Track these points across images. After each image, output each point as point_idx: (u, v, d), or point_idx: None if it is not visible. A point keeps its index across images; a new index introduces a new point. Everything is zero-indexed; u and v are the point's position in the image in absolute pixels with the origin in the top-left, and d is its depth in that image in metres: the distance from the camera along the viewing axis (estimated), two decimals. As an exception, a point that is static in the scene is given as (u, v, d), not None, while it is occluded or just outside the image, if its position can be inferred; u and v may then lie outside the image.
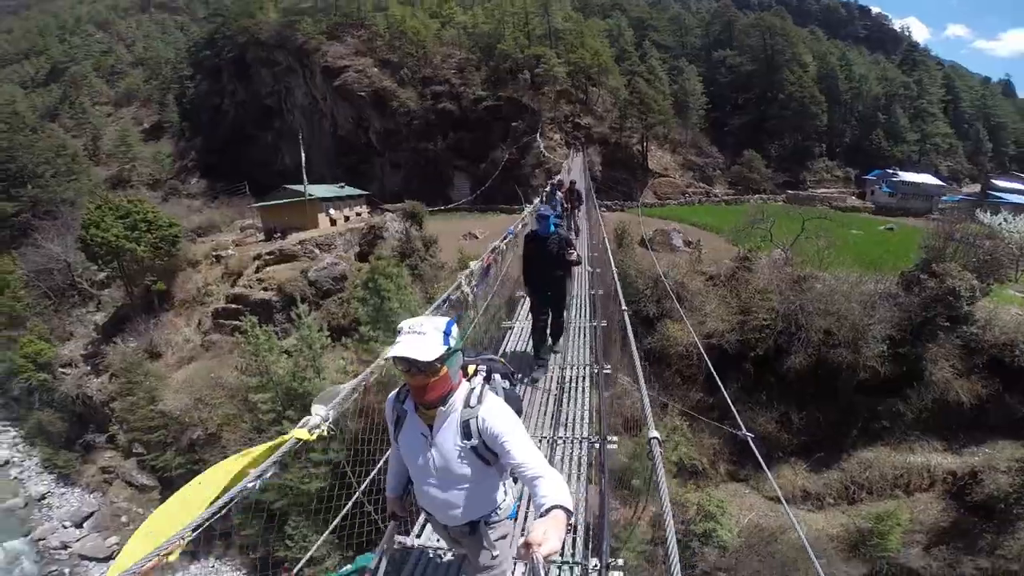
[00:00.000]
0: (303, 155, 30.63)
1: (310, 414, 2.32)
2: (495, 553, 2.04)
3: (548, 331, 6.05)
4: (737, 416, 5.28)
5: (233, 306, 24.91)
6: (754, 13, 60.61)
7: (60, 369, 26.42)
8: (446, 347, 1.82)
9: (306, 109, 44.35)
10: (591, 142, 38.53)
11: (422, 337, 1.79)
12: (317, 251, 25.80)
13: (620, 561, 3.33)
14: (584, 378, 5.64)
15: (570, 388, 5.46)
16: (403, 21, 43.43)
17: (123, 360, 23.78)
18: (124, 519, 21.52)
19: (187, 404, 21.19)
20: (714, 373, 7.19)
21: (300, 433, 2.37)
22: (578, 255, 5.67)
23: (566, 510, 1.49)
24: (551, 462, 3.73)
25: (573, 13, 50.30)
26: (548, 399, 5.21)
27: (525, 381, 5.58)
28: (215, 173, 42.10)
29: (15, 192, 32.28)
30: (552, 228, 5.59)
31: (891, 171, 44.28)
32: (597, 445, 4.05)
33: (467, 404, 1.93)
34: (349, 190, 34.60)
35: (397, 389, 2.11)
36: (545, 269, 5.63)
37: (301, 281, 24.22)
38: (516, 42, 41.83)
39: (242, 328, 18.53)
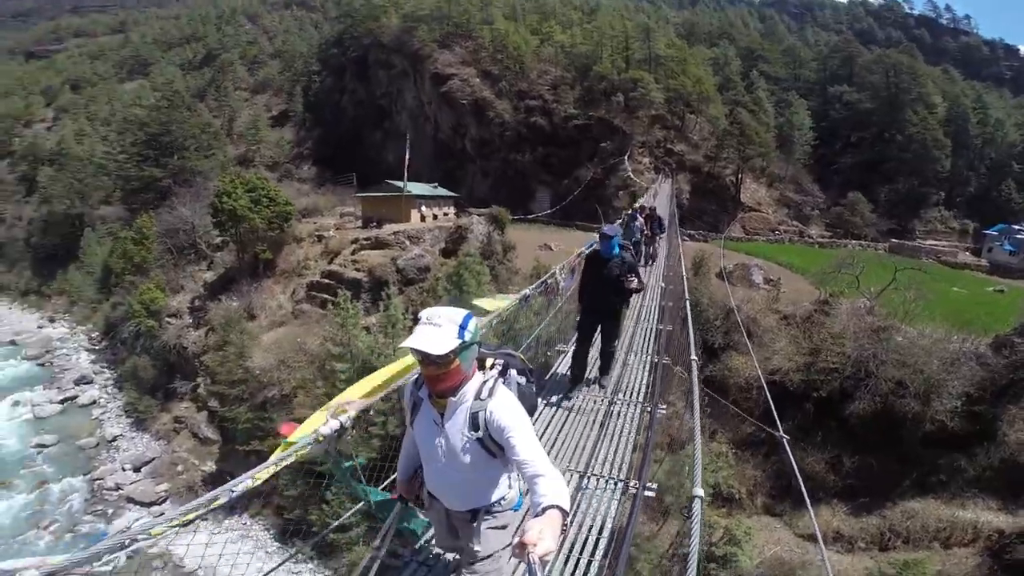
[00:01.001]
0: (407, 154, 33.00)
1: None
2: (488, 547, 2.05)
3: (592, 361, 5.65)
4: (776, 415, 5.29)
5: (326, 281, 27.23)
6: (879, 48, 56.83)
7: (167, 318, 29.39)
8: (460, 341, 1.84)
9: (413, 111, 47.26)
10: (682, 169, 37.93)
11: (437, 329, 1.83)
12: (407, 242, 27.54)
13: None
14: (633, 417, 5.08)
15: (614, 423, 4.96)
16: (506, 35, 45.28)
17: (224, 316, 26.65)
18: (180, 468, 22.92)
19: (271, 364, 22.82)
20: (772, 405, 6.80)
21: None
22: (640, 283, 5.32)
23: (563, 511, 1.50)
24: (576, 504, 3.62)
25: (676, 40, 49.98)
26: (587, 431, 4.74)
27: (561, 404, 5.20)
28: (326, 162, 45.98)
29: (163, 161, 37.28)
30: (616, 250, 5.22)
31: (1018, 227, 39.37)
32: (634, 491, 3.70)
33: (478, 396, 1.95)
34: (441, 191, 36.64)
35: (416, 375, 2.20)
36: (602, 292, 5.27)
37: (390, 267, 25.99)
38: (613, 64, 42.28)
39: (335, 300, 20.48)
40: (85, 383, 30.70)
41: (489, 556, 2.05)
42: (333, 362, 18.49)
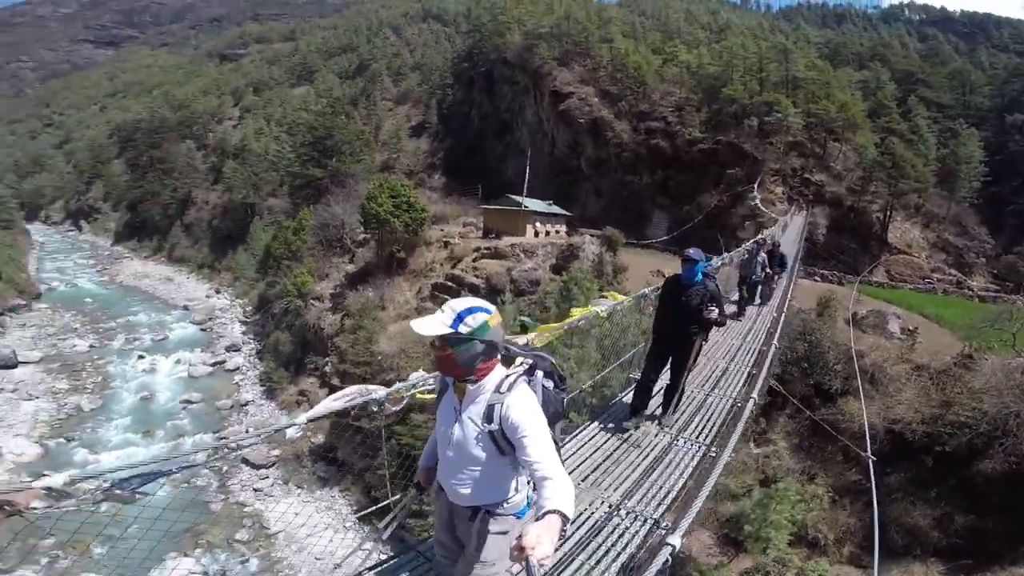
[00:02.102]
0: (527, 170, 34.85)
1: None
2: (487, 553, 2.05)
3: (654, 395, 5.28)
4: (867, 433, 5.45)
5: (448, 284, 29.80)
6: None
7: (311, 301, 33.28)
8: (452, 330, 1.88)
9: (532, 127, 48.64)
10: (820, 202, 35.07)
11: (439, 315, 1.95)
12: (522, 255, 29.17)
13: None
14: (692, 458, 4.64)
15: (668, 460, 4.58)
16: (626, 55, 44.90)
17: (360, 304, 30.30)
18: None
19: (394, 351, 25.19)
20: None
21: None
22: (721, 314, 4.87)
23: (563, 516, 1.51)
24: (598, 531, 3.53)
25: (818, 61, 46.47)
26: (634, 464, 4.43)
27: (615, 432, 4.95)
28: (454, 173, 49.06)
29: (324, 162, 42.93)
30: (699, 277, 4.83)
31: None
32: (662, 532, 3.48)
33: (497, 390, 1.96)
34: (555, 208, 37.76)
35: None
36: (678, 320, 4.86)
37: (505, 277, 27.78)
38: (746, 87, 40.16)
39: None
40: (234, 350, 35.01)
41: (484, 562, 2.05)
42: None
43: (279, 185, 49.86)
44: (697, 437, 5.06)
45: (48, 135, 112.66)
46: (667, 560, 2.40)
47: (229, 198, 54.50)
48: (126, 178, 73.51)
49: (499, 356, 2.03)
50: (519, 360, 2.11)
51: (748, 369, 7.29)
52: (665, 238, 34.41)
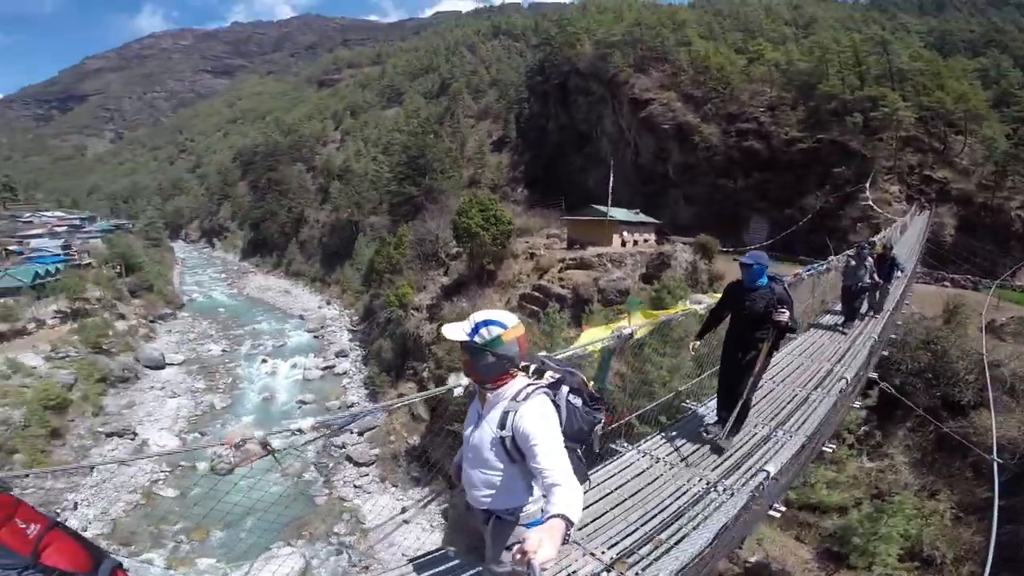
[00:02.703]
0: (611, 180, 35.34)
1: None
2: (503, 567, 2.11)
3: (718, 410, 4.95)
4: (994, 435, 5.14)
5: (536, 294, 31.14)
6: None
7: (411, 311, 35.79)
8: (468, 339, 2.00)
9: (613, 136, 48.62)
10: (945, 200, 32.08)
11: (461, 323, 2.06)
12: (609, 265, 29.79)
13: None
14: (789, 448, 4.30)
15: (764, 449, 4.41)
16: (706, 57, 43.70)
17: (454, 313, 32.49)
18: (392, 438, 26.05)
19: None
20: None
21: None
22: (791, 319, 4.41)
23: (567, 520, 1.55)
24: (695, 502, 3.52)
25: (924, 51, 42.34)
26: (673, 494, 3.97)
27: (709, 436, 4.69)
28: (535, 185, 50.34)
29: (418, 180, 46.30)
30: (764, 280, 4.50)
31: None
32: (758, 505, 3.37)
33: (514, 398, 2.02)
34: (642, 217, 37.68)
35: None
36: (741, 328, 4.62)
37: (592, 287, 28.55)
38: (844, 82, 37.68)
39: (545, 311, 24.02)
40: (342, 356, 38.26)
41: (499, 565, 2.14)
42: (535, 362, 21.59)
43: (379, 203, 54.12)
44: (796, 430, 4.83)
45: (183, 160, 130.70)
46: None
47: (336, 217, 59.98)
48: (249, 199, 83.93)
49: (516, 369, 2.11)
50: (549, 374, 2.22)
51: (855, 372, 6.75)
52: (766, 243, 33.09)
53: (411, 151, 48.83)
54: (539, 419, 1.94)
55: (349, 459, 25.01)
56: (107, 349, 36.23)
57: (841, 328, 9.98)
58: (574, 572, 3.03)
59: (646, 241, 36.14)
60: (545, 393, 2.06)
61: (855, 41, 40.91)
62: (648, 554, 3.19)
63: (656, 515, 3.65)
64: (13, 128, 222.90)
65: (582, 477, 2.26)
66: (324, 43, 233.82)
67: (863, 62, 39.41)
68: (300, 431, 2.67)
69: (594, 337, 4.65)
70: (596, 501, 3.82)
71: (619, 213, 35.68)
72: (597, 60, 50.17)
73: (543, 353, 2.47)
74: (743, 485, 3.89)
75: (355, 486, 23.76)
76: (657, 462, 4.45)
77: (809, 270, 10.82)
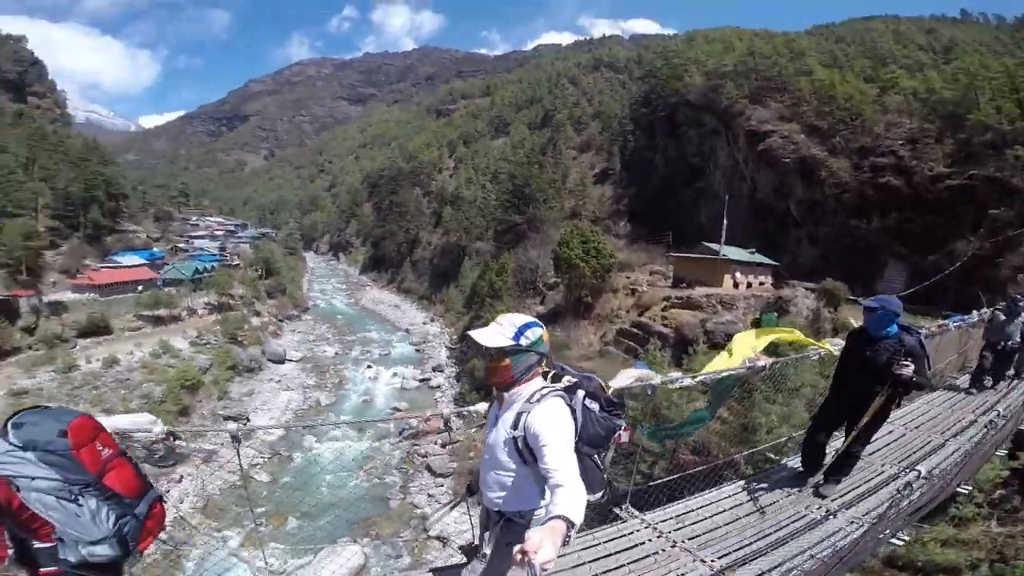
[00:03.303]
0: (725, 218, 33.65)
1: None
2: (498, 560, 2.13)
3: (821, 460, 4.62)
4: None
5: (634, 330, 30.49)
6: None
7: None
8: (513, 343, 2.05)
9: (727, 171, 46.23)
10: None
11: (498, 328, 2.11)
12: (719, 307, 28.29)
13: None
14: (846, 537, 3.75)
15: (809, 535, 3.89)
16: (831, 85, 40.37)
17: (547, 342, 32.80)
18: (471, 454, 25.79)
19: None
20: None
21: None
22: (921, 374, 4.00)
23: (568, 522, 1.56)
24: (812, 527, 3.45)
25: None
26: (765, 529, 3.80)
27: (756, 492, 4.42)
28: (639, 219, 49.33)
29: (522, 208, 47.89)
30: (892, 329, 4.07)
31: None
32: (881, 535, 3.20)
33: (529, 399, 2.06)
34: (758, 257, 35.31)
35: None
36: (859, 378, 4.19)
37: (698, 328, 27.28)
38: (999, 111, 32.64)
39: (646, 347, 23.40)
40: (438, 371, 39.89)
41: (491, 567, 2.17)
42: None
43: (485, 229, 56.67)
44: (928, 472, 4.34)
45: (321, 179, 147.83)
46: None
47: (446, 240, 63.76)
48: (372, 219, 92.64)
49: (543, 369, 2.21)
50: (567, 378, 2.26)
51: (1007, 418, 5.91)
52: (904, 292, 29.11)
53: (516, 180, 50.63)
54: (550, 420, 1.96)
55: (429, 468, 25.81)
56: (240, 341, 41.53)
57: (974, 386, 8.77)
58: (683, 575, 3.22)
59: (761, 284, 33.81)
60: (560, 396, 2.08)
61: (1008, 66, 35.67)
62: (757, 567, 3.26)
63: (771, 534, 3.69)
64: (191, 142, 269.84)
65: (599, 484, 2.31)
66: (441, 74, 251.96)
67: (1021, 88, 34.13)
68: (478, 412, 3.18)
69: (724, 364, 4.55)
70: (710, 516, 4.02)
71: (733, 252, 33.82)
72: (708, 91, 48.74)
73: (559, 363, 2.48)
74: (864, 515, 3.94)
75: (429, 495, 24.24)
76: (770, 491, 4.49)
77: (956, 320, 9.86)
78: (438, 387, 37.27)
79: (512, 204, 49.24)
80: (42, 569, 2.29)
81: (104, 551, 2.26)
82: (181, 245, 60.86)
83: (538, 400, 2.03)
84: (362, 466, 24.81)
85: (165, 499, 2.58)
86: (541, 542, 1.38)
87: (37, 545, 2.24)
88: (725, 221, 33.54)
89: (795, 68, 46.19)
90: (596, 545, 3.61)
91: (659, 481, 4.69)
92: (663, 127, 55.90)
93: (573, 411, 2.13)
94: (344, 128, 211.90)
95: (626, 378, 3.52)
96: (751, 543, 3.58)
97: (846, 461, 4.39)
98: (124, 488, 2.37)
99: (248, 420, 31.22)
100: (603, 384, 2.31)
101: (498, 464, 2.14)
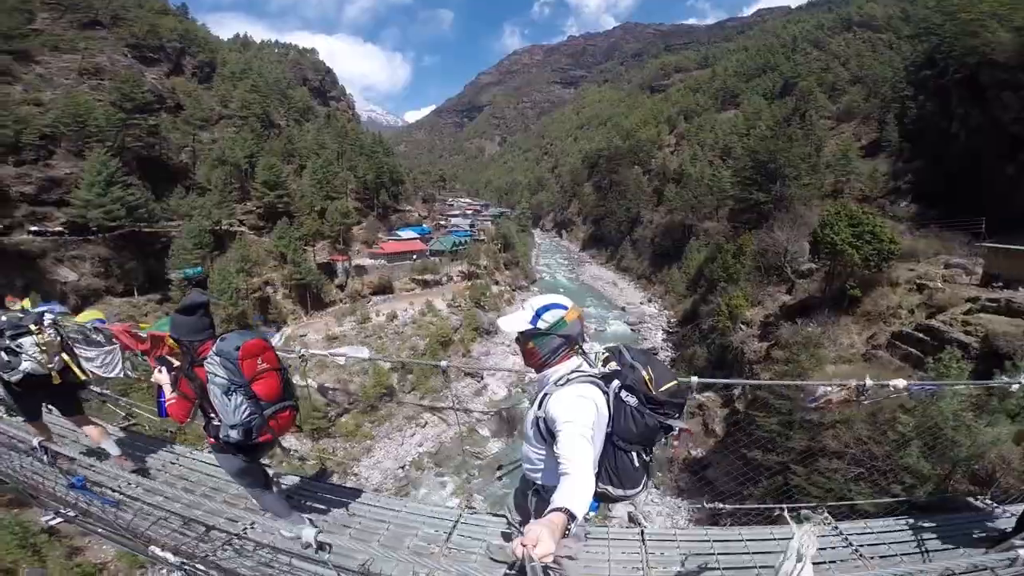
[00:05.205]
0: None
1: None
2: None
3: None
4: None
5: (918, 335, 25.71)
6: None
7: (740, 324, 34.89)
8: (531, 326, 2.09)
9: None
10: None
11: (519, 312, 2.14)
12: (1058, 317, 22.31)
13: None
14: None
15: None
16: None
17: (797, 337, 29.89)
18: (675, 443, 27.38)
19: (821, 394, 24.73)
20: None
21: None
22: None
23: (569, 514, 1.53)
24: None
25: None
26: None
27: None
28: (930, 199, 41.00)
29: (768, 186, 43.75)
30: None
31: None
32: None
33: (556, 382, 2.07)
34: None
35: None
36: None
37: (1020, 340, 22.03)
38: None
39: (937, 357, 19.89)
40: (653, 354, 41.38)
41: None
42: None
43: (715, 208, 53.78)
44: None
45: (545, 161, 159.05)
46: None
47: (670, 219, 62.49)
48: (592, 197, 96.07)
49: (576, 349, 2.17)
50: (612, 364, 2.24)
51: None
52: None
53: (759, 155, 46.41)
54: (566, 405, 1.95)
55: None
56: (482, 306, 48.26)
57: None
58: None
59: None
60: (591, 382, 2.06)
61: None
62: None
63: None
64: (443, 132, 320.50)
65: (632, 482, 2.17)
66: (648, 50, 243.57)
67: None
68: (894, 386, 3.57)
69: None
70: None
71: (1084, 246, 25.80)
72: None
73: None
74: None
75: None
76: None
77: None
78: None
79: (753, 181, 45.52)
80: (210, 438, 3.20)
81: (234, 435, 2.98)
82: (442, 222, 72.98)
83: (563, 383, 2.05)
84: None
85: (296, 408, 3.25)
86: (539, 535, 1.37)
87: (212, 422, 3.12)
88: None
89: None
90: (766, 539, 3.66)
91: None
92: (961, 91, 44.88)
93: (607, 398, 2.10)
94: (561, 111, 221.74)
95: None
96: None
97: None
98: (264, 394, 3.02)
99: (482, 378, 36.67)
100: (647, 377, 2.15)
101: (528, 439, 2.23)
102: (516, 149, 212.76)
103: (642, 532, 3.68)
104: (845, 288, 30.87)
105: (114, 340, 4.35)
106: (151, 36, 56.28)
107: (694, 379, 3.47)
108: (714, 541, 3.61)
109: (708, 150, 70.53)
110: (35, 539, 8.19)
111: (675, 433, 2.23)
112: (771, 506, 4.26)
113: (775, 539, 3.60)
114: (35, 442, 3.65)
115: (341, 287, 48.41)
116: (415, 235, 60.49)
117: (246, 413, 2.94)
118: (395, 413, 32.74)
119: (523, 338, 2.15)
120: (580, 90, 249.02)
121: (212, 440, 3.17)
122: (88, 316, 4.54)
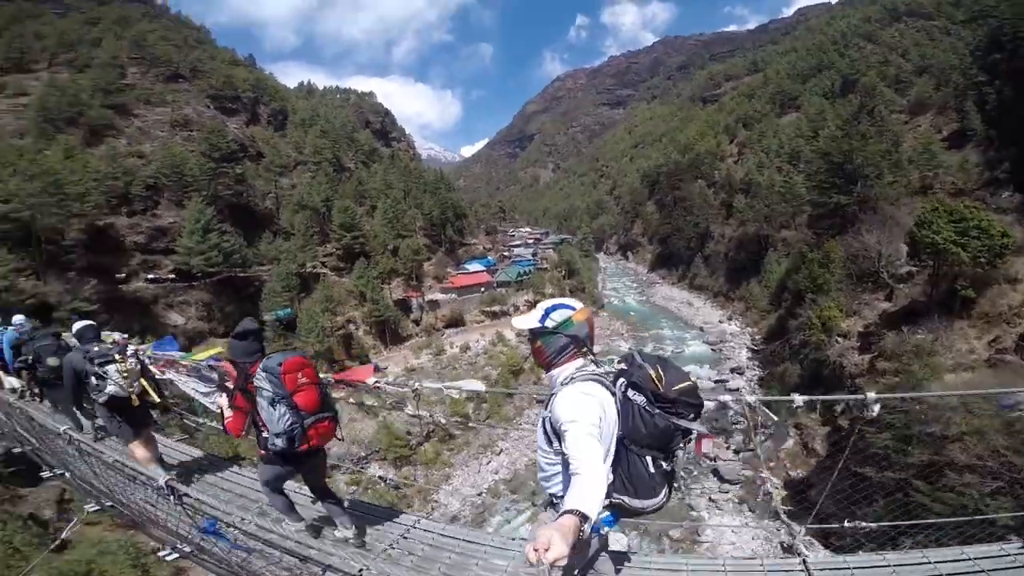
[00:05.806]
0: None
1: None
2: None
3: None
4: None
5: (1053, 335, 23.43)
6: None
7: (836, 337, 32.54)
8: (539, 324, 2.12)
9: None
10: None
11: (531, 312, 2.15)
12: None
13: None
14: None
15: None
16: None
17: (904, 346, 27.68)
18: (771, 464, 24.99)
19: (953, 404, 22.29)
20: None
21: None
22: None
23: (582, 516, 1.47)
24: None
25: None
26: None
27: None
28: None
29: (848, 188, 41.09)
30: None
31: None
32: None
33: (561, 381, 2.05)
34: None
35: None
36: None
37: None
38: None
39: None
40: (737, 373, 38.41)
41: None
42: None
43: (792, 216, 51.38)
44: None
45: (602, 184, 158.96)
46: None
47: (743, 231, 59.99)
48: (656, 216, 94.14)
49: (584, 351, 2.14)
50: (618, 363, 2.24)
51: None
52: None
53: (832, 157, 44.24)
54: (572, 403, 1.91)
55: (715, 472, 25.32)
56: (551, 334, 48.33)
57: None
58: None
59: None
60: (596, 380, 2.04)
61: None
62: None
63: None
64: (497, 164, 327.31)
65: (648, 491, 2.07)
66: (694, 61, 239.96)
67: None
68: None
69: None
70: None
71: None
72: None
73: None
74: None
75: (711, 499, 23.97)
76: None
77: None
78: (737, 390, 35.68)
79: (831, 184, 43.28)
80: (260, 450, 3.50)
81: (279, 443, 3.28)
82: (505, 253, 74.65)
83: (568, 383, 2.03)
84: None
85: (339, 426, 3.56)
86: (551, 539, 1.33)
87: (262, 434, 3.40)
88: None
89: None
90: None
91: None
92: (1037, 72, 41.29)
93: (615, 398, 2.08)
94: (612, 132, 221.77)
95: None
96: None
97: None
98: (304, 405, 3.31)
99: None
100: (655, 376, 2.09)
101: (539, 444, 2.15)
102: (571, 174, 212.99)
103: (804, 561, 3.34)
104: (955, 290, 28.59)
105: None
106: (227, 87, 60.39)
107: (797, 396, 3.51)
108: (895, 566, 3.24)
109: (774, 156, 67.86)
110: (145, 559, 9.34)
111: (695, 438, 2.17)
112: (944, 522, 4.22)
113: (969, 559, 3.17)
114: (162, 481, 3.83)
115: (416, 322, 50.49)
116: (481, 267, 62.03)
117: (288, 422, 3.24)
118: (471, 441, 33.37)
119: (532, 336, 2.21)
120: (629, 109, 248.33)
121: (262, 452, 3.49)
122: (205, 354, 5.28)
